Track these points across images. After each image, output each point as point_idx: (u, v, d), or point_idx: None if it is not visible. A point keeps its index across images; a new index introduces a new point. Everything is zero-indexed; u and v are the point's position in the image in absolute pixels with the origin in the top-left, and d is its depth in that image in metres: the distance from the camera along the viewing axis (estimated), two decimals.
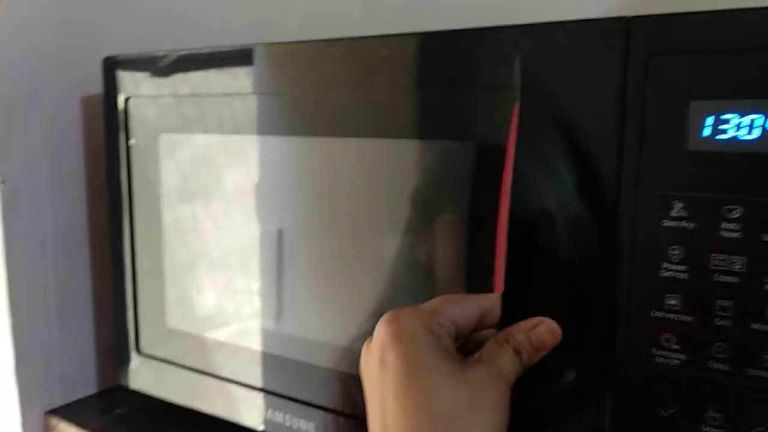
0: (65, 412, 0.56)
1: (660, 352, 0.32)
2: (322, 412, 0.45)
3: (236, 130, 0.47)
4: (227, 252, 0.50)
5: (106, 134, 0.54)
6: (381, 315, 0.32)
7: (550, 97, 0.34)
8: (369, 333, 0.33)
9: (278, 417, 0.47)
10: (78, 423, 0.54)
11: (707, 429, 0.32)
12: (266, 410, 0.47)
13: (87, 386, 0.60)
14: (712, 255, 0.31)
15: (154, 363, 0.54)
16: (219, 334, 0.50)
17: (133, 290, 0.55)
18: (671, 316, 0.32)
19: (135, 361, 0.55)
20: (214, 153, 0.49)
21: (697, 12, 0.30)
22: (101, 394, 0.60)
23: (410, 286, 0.41)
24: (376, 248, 0.42)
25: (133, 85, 0.52)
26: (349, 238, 0.43)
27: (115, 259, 0.55)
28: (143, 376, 0.55)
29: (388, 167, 0.41)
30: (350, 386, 0.43)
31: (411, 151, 0.39)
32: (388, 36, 0.39)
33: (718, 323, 0.31)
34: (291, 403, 0.46)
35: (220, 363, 0.50)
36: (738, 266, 0.30)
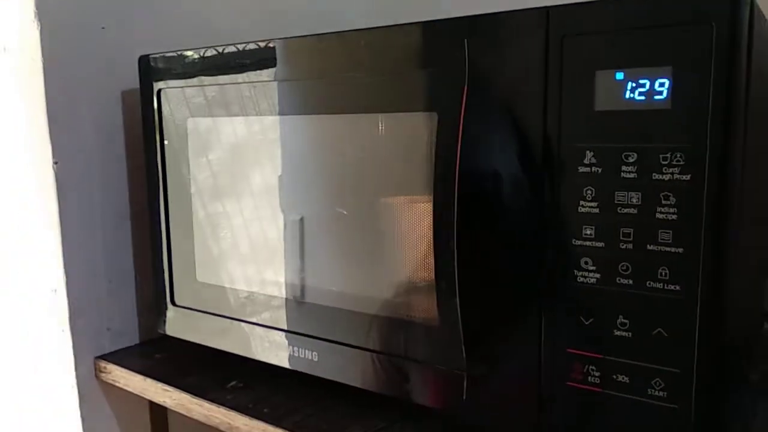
0: (112, 357, 0.66)
1: (580, 273, 0.40)
2: (325, 343, 0.54)
3: (254, 113, 0.56)
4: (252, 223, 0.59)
5: (144, 122, 0.64)
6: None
7: (491, 73, 0.42)
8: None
9: (292, 351, 0.56)
10: (123, 365, 0.64)
11: (618, 332, 0.40)
12: (288, 347, 0.56)
13: (131, 337, 0.70)
14: (616, 192, 0.39)
15: (187, 312, 0.63)
16: (244, 286, 0.59)
17: (168, 253, 0.64)
18: (587, 243, 0.40)
19: (170, 312, 0.65)
20: (232, 133, 0.59)
21: (599, 0, 0.39)
22: (143, 344, 0.70)
23: (405, 240, 0.49)
24: (377, 210, 0.50)
25: (165, 79, 0.62)
26: (360, 204, 0.52)
27: (153, 229, 0.65)
28: (178, 324, 0.64)
29: (371, 138, 0.50)
30: (353, 322, 0.52)
31: (390, 122, 0.48)
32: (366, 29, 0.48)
33: (622, 247, 0.39)
34: (300, 337, 0.55)
35: (244, 310, 0.59)
36: (635, 200, 0.38)
